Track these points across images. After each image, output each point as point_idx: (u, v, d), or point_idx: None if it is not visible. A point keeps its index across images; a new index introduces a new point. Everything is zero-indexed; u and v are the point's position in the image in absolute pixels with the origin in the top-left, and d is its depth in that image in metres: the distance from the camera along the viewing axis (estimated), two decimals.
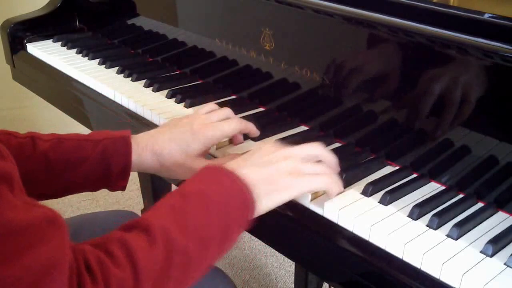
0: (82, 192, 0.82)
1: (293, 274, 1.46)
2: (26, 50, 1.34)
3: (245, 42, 1.00)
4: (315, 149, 0.73)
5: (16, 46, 1.35)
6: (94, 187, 0.81)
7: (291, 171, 0.68)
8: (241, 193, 0.65)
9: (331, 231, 0.71)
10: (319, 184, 0.70)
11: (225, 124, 0.81)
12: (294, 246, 0.77)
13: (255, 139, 0.89)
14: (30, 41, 1.35)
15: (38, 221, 0.47)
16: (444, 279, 0.62)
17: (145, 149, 0.79)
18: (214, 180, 0.65)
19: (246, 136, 0.89)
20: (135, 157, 0.79)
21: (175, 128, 0.80)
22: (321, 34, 0.88)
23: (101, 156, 0.77)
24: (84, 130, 1.21)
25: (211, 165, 0.69)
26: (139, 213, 1.59)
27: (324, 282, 1.45)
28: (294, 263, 1.53)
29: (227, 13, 1.04)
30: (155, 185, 1.57)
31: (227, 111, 0.84)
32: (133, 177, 2.26)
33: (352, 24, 0.82)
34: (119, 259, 0.54)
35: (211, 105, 0.86)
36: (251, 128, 0.85)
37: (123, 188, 0.81)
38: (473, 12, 0.70)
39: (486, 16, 0.69)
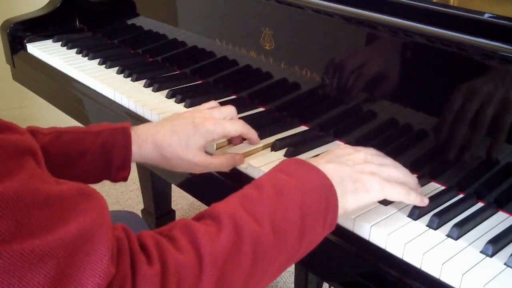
0: (87, 183, 0.81)
1: (293, 274, 1.46)
2: (26, 50, 1.34)
3: (245, 42, 1.00)
4: (382, 155, 0.72)
5: (16, 46, 1.35)
6: (95, 179, 0.80)
7: (375, 173, 0.66)
8: (324, 186, 0.62)
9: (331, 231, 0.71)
10: (399, 194, 0.67)
11: (227, 123, 0.80)
12: None
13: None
14: (30, 41, 1.35)
15: (70, 193, 0.46)
16: (444, 279, 0.62)
17: (146, 141, 0.78)
18: (294, 172, 0.62)
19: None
20: (135, 148, 0.78)
21: (177, 121, 0.80)
22: (321, 34, 0.88)
23: (102, 148, 0.77)
24: None
25: (290, 158, 0.66)
26: (139, 213, 1.59)
27: (324, 282, 1.45)
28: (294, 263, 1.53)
29: (227, 13, 1.04)
30: (155, 185, 1.57)
31: (230, 109, 0.84)
32: (133, 177, 2.26)
33: (352, 24, 0.82)
34: (181, 243, 0.51)
35: (213, 102, 0.86)
36: (252, 135, 0.84)
37: (124, 179, 0.80)
38: (473, 12, 0.70)
39: (486, 16, 0.69)
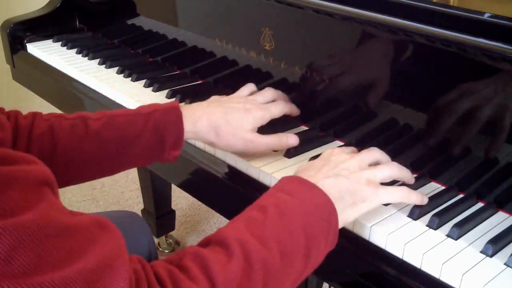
0: (136, 166, 0.83)
1: None
2: (26, 50, 1.34)
3: (245, 42, 1.00)
4: (379, 154, 0.73)
5: (16, 46, 1.35)
6: (148, 161, 0.81)
7: (369, 181, 0.67)
8: (325, 205, 0.62)
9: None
10: (397, 196, 0.68)
11: (273, 107, 0.85)
12: None
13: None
14: (30, 41, 1.35)
15: (87, 223, 0.46)
16: (444, 279, 0.62)
17: (201, 118, 0.80)
18: (295, 191, 0.63)
19: None
20: (190, 125, 0.80)
21: (229, 104, 0.83)
22: (321, 34, 0.88)
23: (154, 129, 0.78)
24: None
25: (290, 176, 0.67)
26: (139, 213, 1.59)
27: (324, 282, 1.45)
28: None
29: (227, 13, 1.04)
30: (155, 185, 1.57)
31: (271, 91, 0.88)
32: (133, 177, 2.26)
33: (352, 24, 0.82)
34: (194, 273, 0.51)
35: (252, 86, 0.91)
36: (294, 109, 0.90)
37: (175, 158, 0.81)
38: (473, 12, 0.70)
39: (486, 16, 0.69)
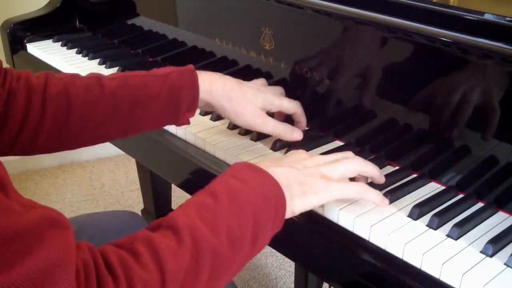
0: (150, 129, 0.82)
1: (293, 274, 1.46)
2: (26, 50, 1.34)
3: (245, 42, 1.00)
4: (348, 155, 0.72)
5: (16, 46, 1.35)
6: (161, 123, 0.82)
7: (324, 176, 0.67)
8: (274, 191, 0.63)
9: (331, 231, 0.71)
10: (351, 191, 0.69)
11: (285, 100, 0.86)
12: (294, 246, 0.77)
13: (255, 138, 0.89)
14: (30, 41, 1.35)
15: (36, 223, 0.45)
16: (444, 279, 0.62)
17: (216, 81, 0.81)
18: (246, 178, 0.63)
19: (248, 133, 0.88)
20: (206, 85, 0.80)
21: (242, 82, 0.84)
22: (321, 34, 0.88)
23: (170, 91, 0.78)
24: None
25: (242, 162, 0.67)
26: (139, 213, 1.59)
27: (324, 282, 1.45)
28: (294, 263, 1.53)
29: (227, 13, 1.04)
30: (155, 185, 1.57)
31: (281, 89, 0.90)
32: (133, 177, 2.26)
33: (352, 24, 0.82)
34: (144, 258, 0.51)
35: (262, 79, 0.91)
36: (303, 121, 0.89)
37: (188, 121, 0.82)
38: (473, 12, 0.70)
39: (486, 16, 0.69)
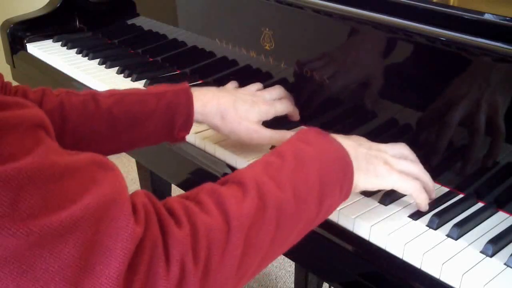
0: (144, 146, 0.83)
1: (293, 274, 1.46)
2: (26, 50, 1.34)
3: (245, 42, 1.00)
4: (407, 151, 0.73)
5: (16, 46, 1.35)
6: (157, 140, 0.82)
7: (387, 163, 0.68)
8: (342, 156, 0.64)
9: (331, 231, 0.71)
10: (409, 187, 0.68)
11: (279, 104, 0.87)
12: (294, 246, 0.77)
13: None
14: (30, 41, 1.35)
15: (86, 163, 0.46)
16: (444, 279, 0.62)
17: (211, 101, 0.82)
18: (313, 141, 0.64)
19: None
20: (200, 106, 0.81)
21: (238, 94, 0.86)
22: (321, 34, 0.88)
23: (166, 109, 0.79)
24: None
25: (310, 127, 0.68)
26: None
27: (324, 282, 1.45)
28: (294, 263, 1.53)
29: (227, 13, 1.04)
30: (155, 185, 1.57)
31: (279, 89, 0.91)
32: (133, 177, 2.25)
33: (352, 24, 0.82)
34: (208, 206, 0.52)
35: (259, 84, 0.93)
36: (296, 113, 0.92)
37: (183, 139, 0.83)
38: (473, 12, 0.70)
39: (486, 16, 0.69)
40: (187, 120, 0.81)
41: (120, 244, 0.44)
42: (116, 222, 0.44)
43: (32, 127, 0.44)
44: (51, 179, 0.42)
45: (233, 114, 0.82)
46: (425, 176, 0.71)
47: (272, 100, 0.88)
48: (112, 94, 0.80)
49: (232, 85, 0.95)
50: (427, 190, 0.71)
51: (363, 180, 0.66)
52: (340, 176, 0.63)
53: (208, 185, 0.57)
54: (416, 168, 0.71)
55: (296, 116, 0.93)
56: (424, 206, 0.70)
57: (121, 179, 0.48)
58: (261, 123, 0.84)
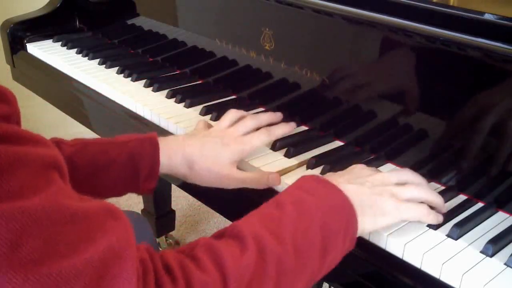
0: (110, 197, 0.79)
1: None
2: (26, 50, 1.34)
3: (245, 42, 1.00)
4: (412, 176, 0.70)
5: (16, 46, 1.35)
6: (121, 191, 0.78)
7: (393, 195, 0.66)
8: (344, 204, 0.61)
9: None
10: (416, 214, 0.66)
11: (254, 139, 0.80)
12: None
13: None
14: (30, 41, 1.35)
15: (96, 211, 0.44)
16: (444, 279, 0.62)
17: (176, 152, 0.77)
18: (313, 189, 0.62)
19: None
20: (165, 159, 0.76)
21: (206, 138, 0.79)
22: (321, 34, 0.88)
23: (129, 159, 0.75)
24: (84, 130, 1.22)
25: (310, 175, 0.66)
26: (139, 213, 1.59)
27: (324, 282, 1.45)
28: None
29: (227, 13, 1.04)
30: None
31: (253, 121, 0.83)
32: None
33: (352, 24, 0.82)
34: (204, 263, 0.50)
35: (232, 114, 0.84)
36: (280, 133, 0.84)
37: (150, 191, 0.78)
38: (473, 12, 0.70)
39: (486, 16, 0.69)
40: (152, 170, 0.76)
41: None
42: (118, 279, 0.43)
43: (45, 167, 0.42)
44: (57, 224, 0.40)
45: (201, 163, 0.76)
46: (432, 196, 0.69)
47: (246, 136, 0.80)
48: (76, 142, 0.77)
49: (201, 124, 0.86)
50: (436, 208, 0.69)
51: (370, 224, 0.64)
52: (342, 227, 0.60)
53: (204, 240, 0.54)
54: (422, 192, 0.68)
55: (288, 132, 0.85)
56: (437, 221, 0.68)
57: (129, 231, 0.47)
58: (235, 164, 0.79)
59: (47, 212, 0.40)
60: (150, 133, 0.79)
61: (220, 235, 0.56)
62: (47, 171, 0.42)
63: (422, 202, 0.68)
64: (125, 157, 0.75)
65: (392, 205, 0.65)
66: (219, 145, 0.78)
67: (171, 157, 0.77)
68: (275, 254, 0.54)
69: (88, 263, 0.41)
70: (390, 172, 0.70)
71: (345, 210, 0.61)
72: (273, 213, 0.59)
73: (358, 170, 0.70)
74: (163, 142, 0.77)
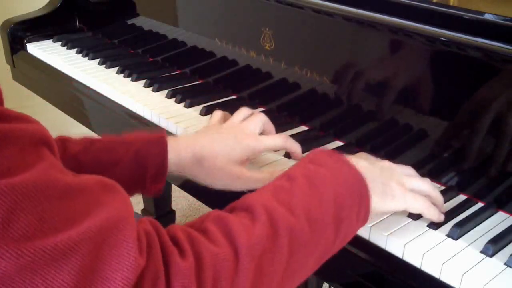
0: None
1: None
2: (26, 50, 1.34)
3: (245, 42, 1.00)
4: (413, 171, 0.71)
5: (16, 46, 1.35)
6: (128, 191, 0.75)
7: (400, 183, 0.65)
8: (358, 180, 0.60)
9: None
10: (419, 205, 0.66)
11: (268, 139, 0.78)
12: None
13: None
14: (30, 41, 1.35)
15: (91, 184, 0.44)
16: (444, 279, 0.62)
17: (186, 149, 0.74)
18: (325, 163, 0.60)
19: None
20: (174, 156, 0.74)
21: (217, 134, 0.77)
22: (321, 34, 0.88)
23: (135, 158, 0.73)
24: (84, 130, 1.22)
25: (321, 148, 0.65)
26: (139, 213, 1.59)
27: (324, 282, 1.45)
28: None
29: (227, 13, 1.04)
30: None
31: (261, 118, 0.80)
32: None
33: (352, 24, 0.82)
34: (214, 235, 0.49)
35: (245, 110, 0.82)
36: (296, 149, 0.79)
37: (159, 191, 0.75)
38: (473, 12, 0.70)
39: (486, 16, 0.69)
40: (160, 171, 0.73)
41: (120, 274, 0.41)
42: (117, 249, 0.42)
43: (34, 143, 0.42)
44: (50, 199, 0.40)
45: (211, 159, 0.73)
46: (435, 192, 0.69)
47: (260, 135, 0.78)
48: (83, 140, 0.75)
49: (216, 117, 0.83)
50: (436, 205, 0.69)
51: (379, 203, 0.63)
52: (356, 200, 0.59)
53: (214, 213, 0.53)
54: (426, 185, 0.68)
55: (297, 154, 0.80)
56: (437, 219, 0.68)
57: (128, 203, 0.46)
58: (246, 163, 0.76)
59: (38, 187, 0.39)
60: (160, 132, 0.77)
61: (231, 208, 0.55)
62: (36, 148, 0.42)
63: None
64: (130, 156, 0.73)
65: (399, 190, 0.65)
66: (232, 140, 0.75)
67: (181, 153, 0.74)
68: (288, 225, 0.53)
69: (84, 236, 0.40)
70: (397, 165, 0.70)
71: (359, 184, 0.60)
72: (284, 185, 0.58)
73: (365, 155, 0.70)
74: (172, 140, 0.75)
